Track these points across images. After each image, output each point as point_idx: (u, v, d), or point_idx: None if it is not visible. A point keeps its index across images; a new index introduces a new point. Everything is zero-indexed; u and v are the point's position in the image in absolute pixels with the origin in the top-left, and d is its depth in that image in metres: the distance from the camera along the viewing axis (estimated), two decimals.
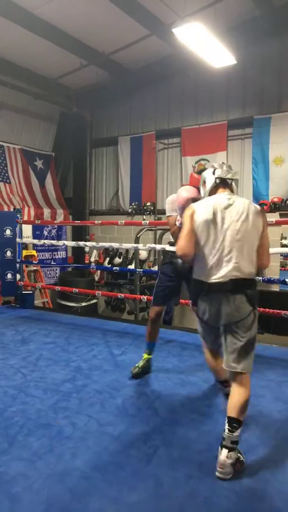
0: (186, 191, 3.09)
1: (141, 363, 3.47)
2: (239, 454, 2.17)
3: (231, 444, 2.12)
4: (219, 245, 2.27)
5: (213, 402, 2.97)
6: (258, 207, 2.37)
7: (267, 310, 4.31)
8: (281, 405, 2.92)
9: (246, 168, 8.14)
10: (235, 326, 2.27)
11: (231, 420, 2.16)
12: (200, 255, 2.33)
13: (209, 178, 2.48)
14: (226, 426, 2.16)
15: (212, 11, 6.34)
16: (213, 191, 2.46)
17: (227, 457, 2.09)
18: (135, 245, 6.06)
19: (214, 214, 2.28)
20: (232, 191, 2.45)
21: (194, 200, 2.79)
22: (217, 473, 2.10)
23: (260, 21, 7.07)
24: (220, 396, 3.03)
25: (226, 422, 2.17)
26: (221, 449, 2.12)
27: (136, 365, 3.47)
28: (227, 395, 2.54)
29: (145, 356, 3.51)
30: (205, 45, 6.00)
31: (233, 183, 2.48)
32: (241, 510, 1.92)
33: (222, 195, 2.38)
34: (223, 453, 2.10)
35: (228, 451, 2.10)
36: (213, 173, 2.47)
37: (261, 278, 4.96)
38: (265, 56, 7.75)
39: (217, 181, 2.45)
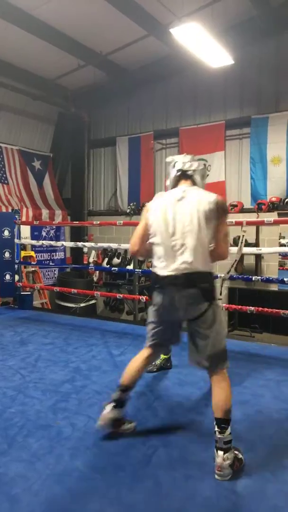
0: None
1: (157, 362, 3.55)
2: (236, 452, 2.16)
3: (225, 445, 2.10)
4: (171, 238, 2.25)
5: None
6: (214, 197, 2.27)
7: (266, 309, 4.31)
8: (280, 405, 2.91)
9: (244, 168, 8.16)
10: (196, 324, 2.24)
11: (218, 421, 2.13)
12: (155, 249, 2.34)
13: (171, 171, 2.47)
14: (216, 428, 2.13)
15: (210, 11, 6.35)
16: (175, 184, 2.44)
17: (223, 459, 2.08)
18: None
19: (166, 208, 2.29)
20: (194, 183, 2.41)
21: None
22: (216, 476, 2.09)
23: (257, 21, 7.09)
24: None
25: (214, 424, 2.15)
26: (217, 451, 2.11)
27: (154, 363, 3.52)
28: (115, 401, 2.43)
29: (162, 356, 3.55)
30: (202, 45, 6.00)
31: (195, 175, 2.43)
32: (241, 510, 1.92)
33: (179, 188, 2.38)
34: (219, 455, 2.09)
35: (224, 453, 2.09)
36: (174, 166, 2.46)
37: (260, 277, 4.97)
38: (262, 56, 7.76)
39: (178, 173, 2.43)
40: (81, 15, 6.72)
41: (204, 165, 2.57)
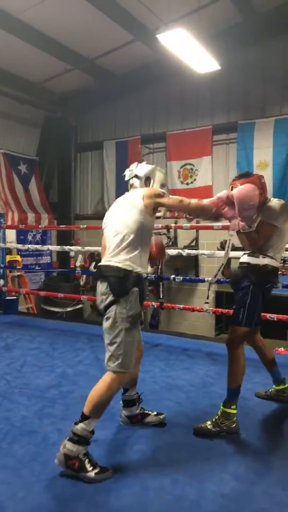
0: None
1: (270, 390, 3.07)
2: (86, 459, 2.12)
3: (72, 435, 2.14)
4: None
5: (200, 406, 2.96)
6: (140, 192, 2.49)
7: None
8: (271, 405, 2.92)
9: (231, 173, 8.19)
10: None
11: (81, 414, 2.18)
12: None
13: None
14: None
15: (196, 17, 6.40)
16: None
17: (63, 445, 2.13)
18: None
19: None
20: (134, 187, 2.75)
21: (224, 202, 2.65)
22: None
23: (243, 27, 7.17)
24: (207, 400, 3.04)
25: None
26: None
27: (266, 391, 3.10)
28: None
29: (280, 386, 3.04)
30: (189, 50, 6.04)
31: (130, 182, 2.80)
32: None
33: None
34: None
35: (68, 440, 2.14)
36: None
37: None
38: (249, 62, 7.84)
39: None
40: (68, 20, 6.71)
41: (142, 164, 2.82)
